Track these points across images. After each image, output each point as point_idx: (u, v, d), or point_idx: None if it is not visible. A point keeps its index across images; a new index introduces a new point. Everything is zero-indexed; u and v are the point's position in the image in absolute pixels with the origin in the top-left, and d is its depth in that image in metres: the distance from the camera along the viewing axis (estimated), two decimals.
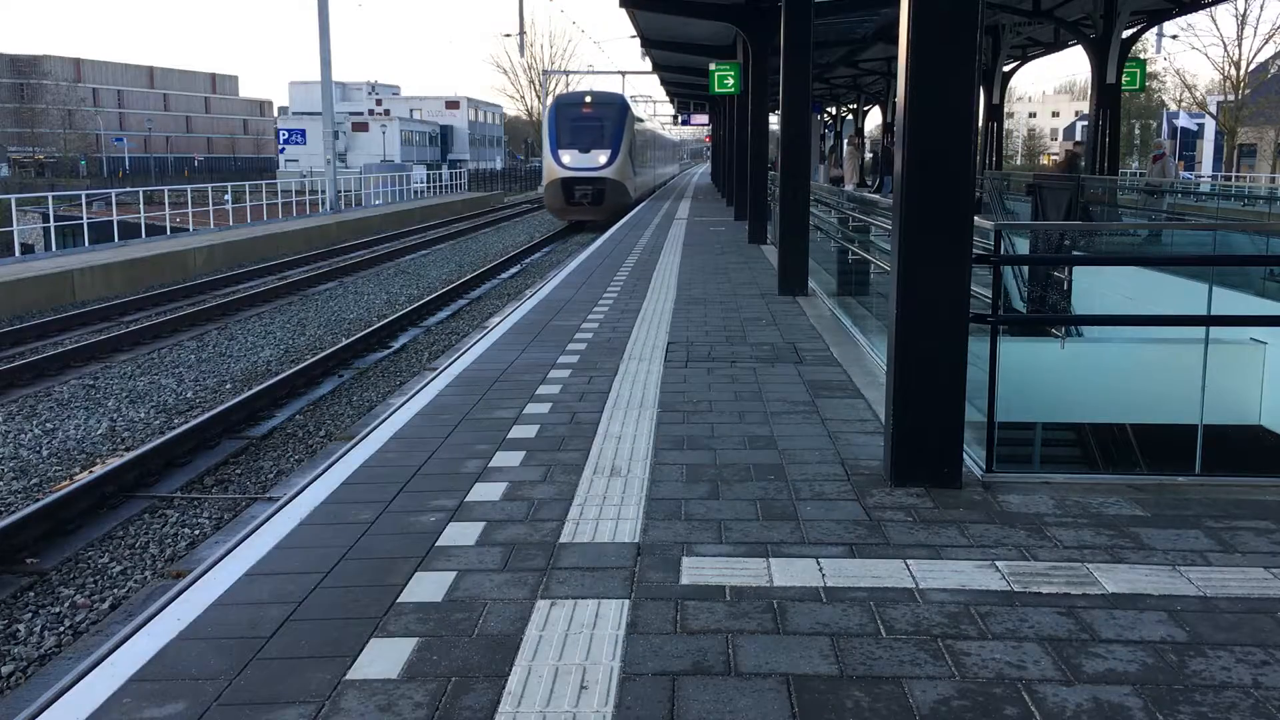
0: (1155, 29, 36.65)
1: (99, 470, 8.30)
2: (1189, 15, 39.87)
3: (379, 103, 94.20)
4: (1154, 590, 3.65)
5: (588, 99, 34.70)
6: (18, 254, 22.88)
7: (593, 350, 8.35)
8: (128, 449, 9.36)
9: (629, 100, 37.43)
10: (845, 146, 34.70)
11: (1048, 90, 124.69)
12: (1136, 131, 58.33)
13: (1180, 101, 67.87)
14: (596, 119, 33.49)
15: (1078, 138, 42.33)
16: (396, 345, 14.57)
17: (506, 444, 5.60)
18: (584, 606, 3.55)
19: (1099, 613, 3.47)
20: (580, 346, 8.52)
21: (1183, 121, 66.47)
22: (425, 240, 32.00)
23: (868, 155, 34.91)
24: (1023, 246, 14.29)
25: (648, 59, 35.39)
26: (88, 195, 30.12)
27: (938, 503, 4.59)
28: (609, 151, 32.74)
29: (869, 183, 31.60)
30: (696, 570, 3.85)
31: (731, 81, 21.84)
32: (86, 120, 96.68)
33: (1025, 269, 14.03)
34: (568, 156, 32.59)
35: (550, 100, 36.63)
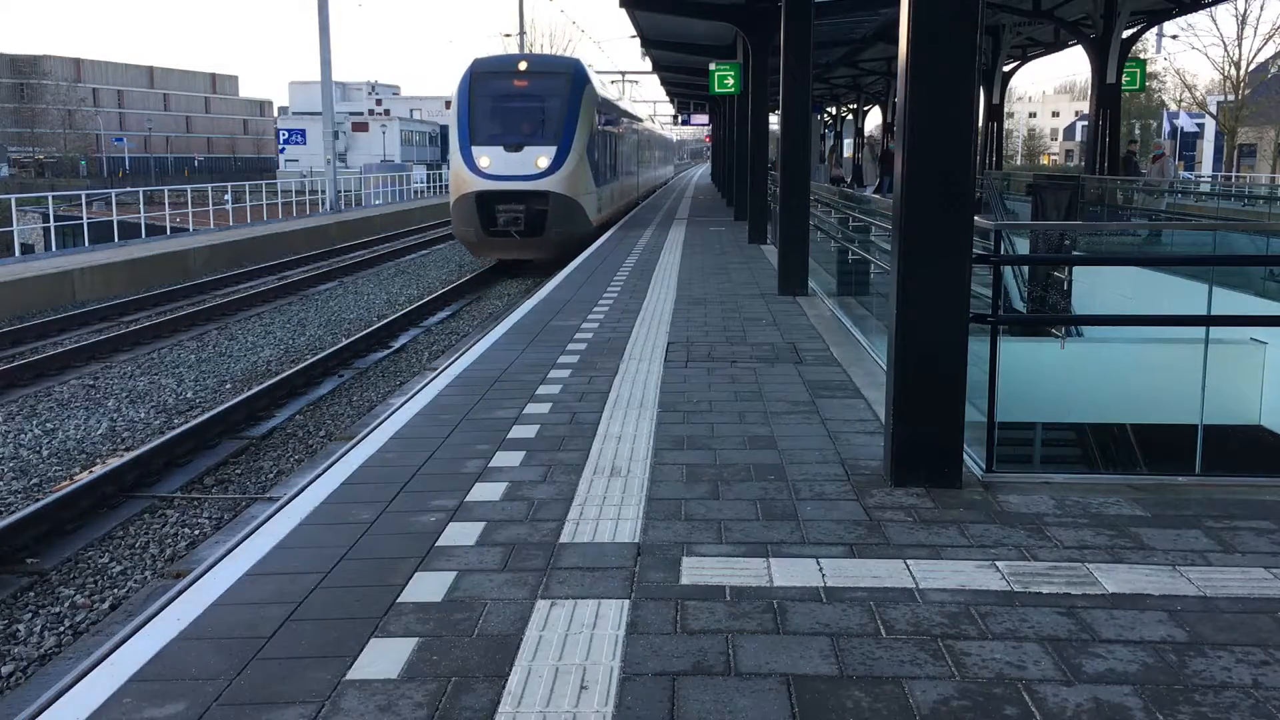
0: (1155, 29, 36.68)
1: (99, 470, 8.30)
2: (1189, 15, 39.89)
3: (379, 103, 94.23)
4: (1154, 590, 3.64)
5: (522, 65, 21.83)
6: (18, 254, 22.89)
7: (593, 350, 8.35)
8: (128, 449, 9.35)
9: (590, 71, 23.26)
10: (863, 148, 34.99)
11: (1048, 90, 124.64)
12: (1136, 132, 58.45)
13: (1180, 101, 67.90)
14: (535, 98, 21.18)
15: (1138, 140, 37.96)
16: (396, 345, 14.57)
17: (506, 444, 5.60)
18: (584, 606, 3.55)
19: (1099, 613, 3.47)
20: (580, 346, 8.52)
21: (1182, 122, 66.50)
22: (425, 240, 32.00)
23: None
24: (1023, 246, 14.29)
25: (648, 59, 35.11)
26: (88, 195, 30.13)
27: (938, 503, 4.59)
28: (553, 149, 20.44)
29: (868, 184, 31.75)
30: (696, 570, 3.85)
31: (731, 81, 21.85)
32: (86, 120, 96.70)
33: (1025, 269, 14.04)
34: (487, 158, 20.27)
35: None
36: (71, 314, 16.57)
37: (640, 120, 38.84)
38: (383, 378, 12.50)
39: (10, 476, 8.61)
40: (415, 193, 51.66)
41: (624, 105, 32.40)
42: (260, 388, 11.10)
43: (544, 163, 20.17)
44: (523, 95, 21.12)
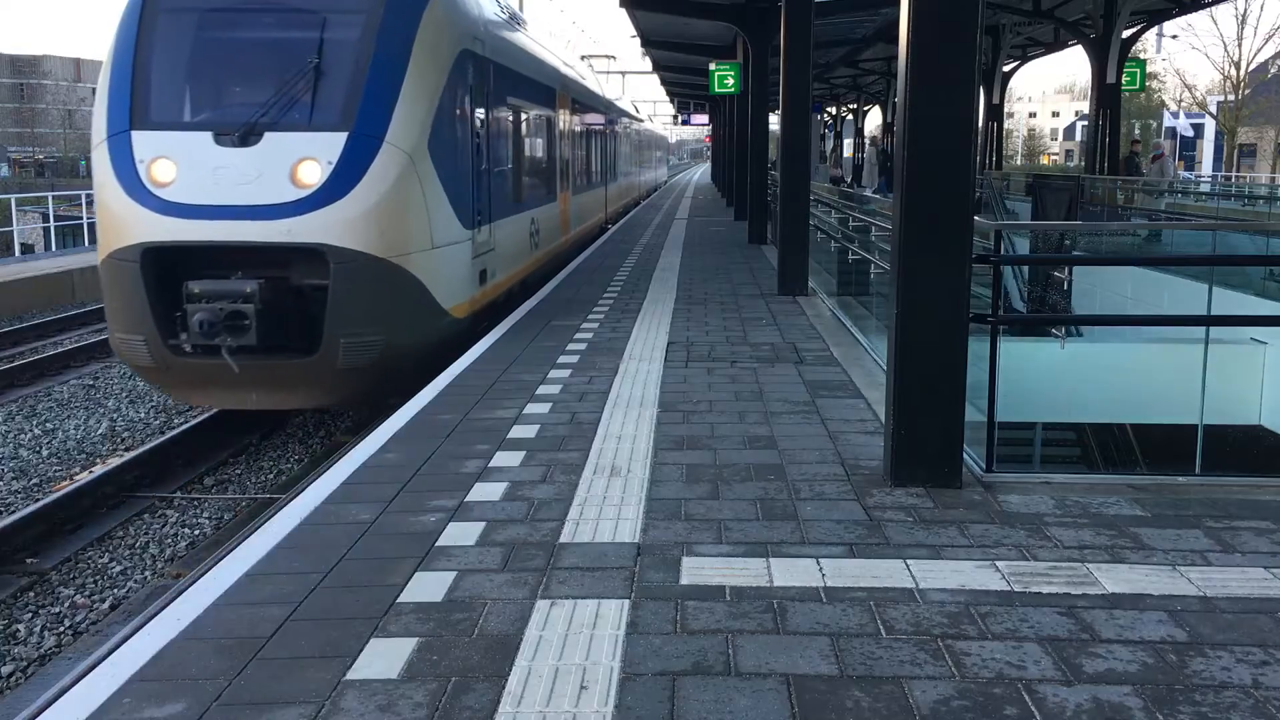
0: (1155, 29, 36.72)
1: (99, 470, 8.29)
2: (1189, 15, 39.94)
3: None
4: (1154, 590, 3.64)
5: None
6: (18, 254, 22.88)
7: (593, 350, 8.35)
8: (128, 449, 9.35)
9: None
10: (868, 148, 35.11)
11: (1048, 90, 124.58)
12: (1137, 132, 58.59)
13: (1180, 101, 67.91)
14: (299, 26, 8.48)
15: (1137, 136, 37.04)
16: None
17: (506, 444, 5.60)
18: (584, 606, 3.55)
19: (1099, 613, 3.47)
20: (580, 346, 8.52)
21: (1178, 124, 66.52)
22: None
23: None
24: (1023, 247, 14.31)
25: (648, 59, 35.01)
26: (88, 195, 30.12)
27: (938, 503, 4.59)
28: (340, 140, 8.06)
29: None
30: (696, 570, 3.85)
31: (731, 81, 21.84)
32: (86, 120, 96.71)
33: (1025, 269, 14.05)
34: (171, 162, 8.00)
35: None
36: (71, 314, 16.57)
37: (608, 100, 25.85)
38: None
39: (10, 477, 8.61)
40: None
41: (561, 62, 17.43)
42: None
43: (312, 173, 8.05)
44: (269, 22, 8.86)
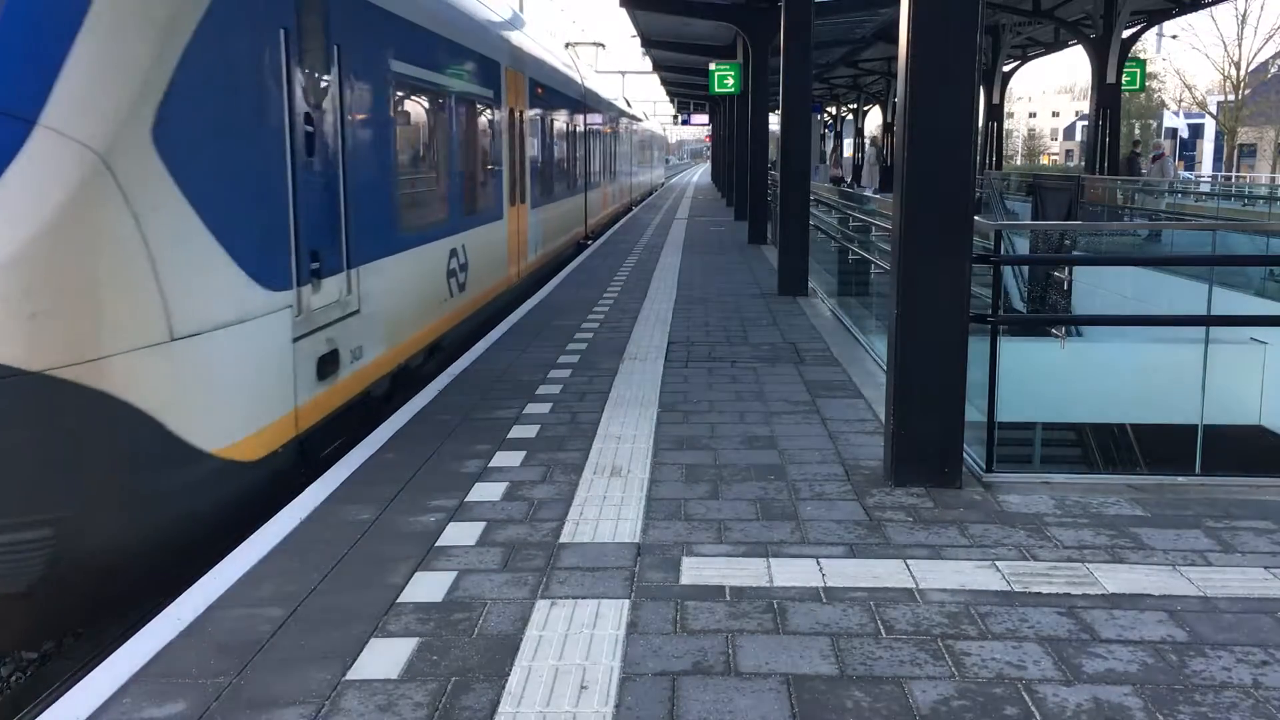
0: (1155, 29, 36.75)
1: None
2: (1189, 15, 40.00)
3: None
4: (1154, 590, 3.64)
5: None
6: None
7: (593, 350, 8.35)
8: None
9: None
10: (868, 148, 35.18)
11: (1048, 90, 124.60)
12: (1137, 132, 58.64)
13: (1180, 101, 67.95)
14: None
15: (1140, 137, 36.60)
16: None
17: (506, 444, 5.60)
18: (584, 606, 3.55)
19: (1099, 613, 3.47)
20: (581, 346, 8.52)
21: (1177, 124, 66.61)
22: None
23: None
24: (1023, 246, 14.31)
25: (648, 59, 34.97)
26: None
27: (938, 503, 4.59)
28: None
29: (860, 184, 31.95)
30: (696, 570, 3.85)
31: (731, 81, 21.85)
32: None
33: (1025, 269, 14.06)
34: None
35: None
36: None
37: (590, 90, 21.69)
38: None
39: None
40: None
41: (515, 30, 13.06)
42: None
43: None
44: None
